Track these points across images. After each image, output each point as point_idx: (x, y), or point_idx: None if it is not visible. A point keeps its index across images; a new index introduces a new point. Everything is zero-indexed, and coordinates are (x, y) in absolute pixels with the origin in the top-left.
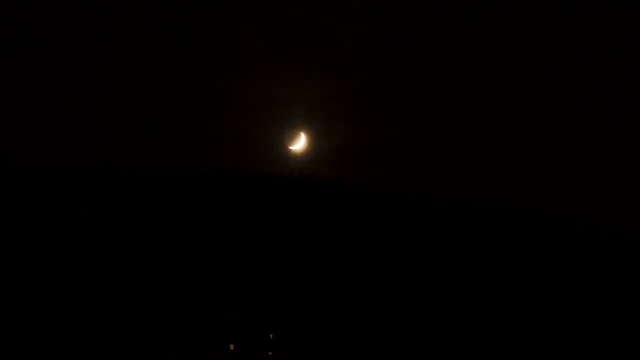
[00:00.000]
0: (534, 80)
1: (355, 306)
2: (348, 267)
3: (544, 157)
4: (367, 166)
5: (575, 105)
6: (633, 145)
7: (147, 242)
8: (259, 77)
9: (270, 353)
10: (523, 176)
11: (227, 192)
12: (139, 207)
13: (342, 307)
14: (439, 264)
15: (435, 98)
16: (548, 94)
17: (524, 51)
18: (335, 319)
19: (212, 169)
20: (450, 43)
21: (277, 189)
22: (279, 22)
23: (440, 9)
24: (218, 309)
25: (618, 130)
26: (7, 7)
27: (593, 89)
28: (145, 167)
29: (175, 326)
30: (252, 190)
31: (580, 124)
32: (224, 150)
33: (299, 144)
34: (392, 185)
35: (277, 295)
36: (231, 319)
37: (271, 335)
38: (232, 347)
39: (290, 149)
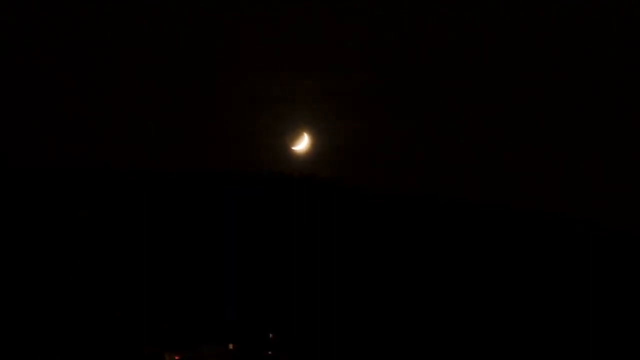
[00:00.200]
0: (534, 80)
1: (355, 305)
2: (348, 267)
3: (544, 157)
4: (368, 166)
5: (575, 105)
6: (633, 145)
7: (147, 242)
8: (259, 77)
9: (269, 352)
10: (523, 176)
11: (227, 192)
12: (139, 207)
13: (342, 306)
14: (438, 263)
15: (435, 98)
16: (548, 94)
17: (524, 51)
18: (335, 319)
19: (212, 169)
20: (450, 43)
21: (277, 188)
22: (279, 22)
23: (440, 9)
24: (218, 309)
25: (618, 130)
26: (7, 7)
27: (593, 89)
28: (145, 167)
29: (175, 326)
30: (252, 191)
31: (580, 124)
32: (224, 150)
33: (301, 144)
34: (392, 184)
35: (277, 295)
36: (231, 318)
37: (271, 335)
38: (231, 346)
39: (292, 149)
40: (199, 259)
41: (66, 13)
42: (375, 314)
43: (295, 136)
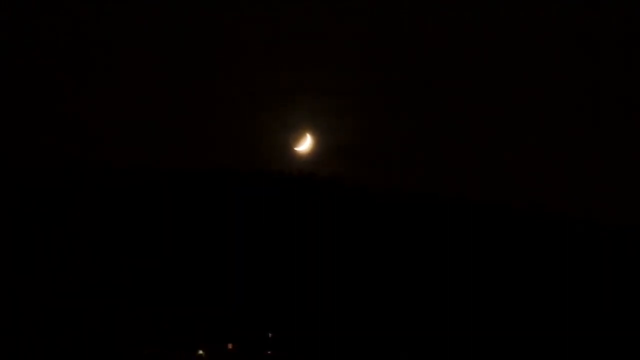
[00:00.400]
0: (534, 80)
1: (354, 305)
2: (347, 266)
3: (544, 157)
4: (368, 165)
5: (575, 105)
6: (633, 145)
7: (147, 242)
8: (259, 77)
9: (269, 352)
10: (523, 176)
11: (228, 191)
12: (139, 207)
13: (342, 305)
14: (438, 263)
15: (436, 98)
16: (548, 94)
17: (524, 51)
18: (335, 318)
19: (212, 168)
20: (450, 43)
21: (277, 188)
22: (279, 22)
23: (440, 9)
24: (218, 309)
25: (618, 130)
26: (7, 7)
27: (593, 89)
28: (145, 167)
29: (175, 326)
30: (252, 190)
31: (580, 124)
32: (224, 150)
33: (302, 143)
34: (392, 184)
35: (277, 294)
36: (233, 317)
37: (270, 335)
38: (230, 346)
39: (293, 149)
40: (199, 258)
41: (66, 13)
42: (375, 313)
43: (296, 136)
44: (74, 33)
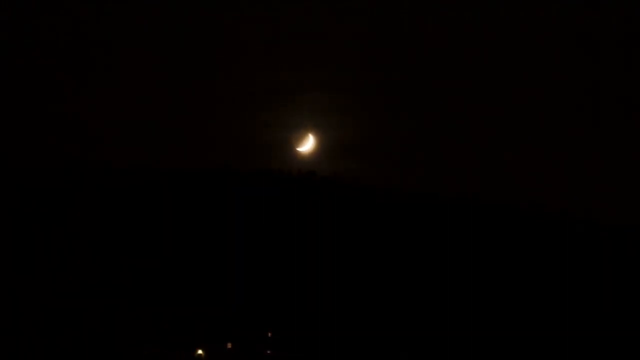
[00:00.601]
0: (534, 80)
1: (355, 304)
2: (347, 265)
3: (544, 157)
4: (368, 164)
5: (575, 105)
6: (633, 145)
7: (147, 242)
8: (259, 77)
9: (268, 352)
10: (523, 175)
11: (228, 191)
12: (139, 207)
13: (342, 304)
14: (438, 262)
15: (436, 98)
16: (548, 94)
17: (524, 51)
18: (335, 317)
19: (212, 168)
20: (450, 43)
21: (278, 187)
22: (279, 22)
23: (440, 9)
24: (218, 309)
25: (618, 130)
26: (7, 7)
27: (593, 89)
28: (145, 166)
29: (174, 326)
30: (252, 189)
31: (580, 124)
32: (224, 150)
33: (303, 143)
34: (393, 183)
35: (277, 294)
36: (234, 313)
37: (269, 334)
38: (229, 345)
39: (296, 149)
40: (199, 258)
41: (66, 13)
42: (374, 313)
43: (297, 135)
44: (74, 33)
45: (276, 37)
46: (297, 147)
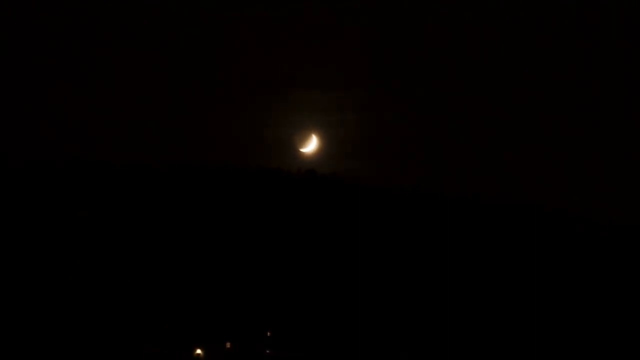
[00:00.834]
0: (534, 81)
1: (354, 304)
2: (347, 265)
3: (544, 157)
4: (368, 163)
5: (575, 105)
6: (633, 145)
7: (147, 241)
8: (259, 76)
9: (267, 351)
10: (524, 175)
11: (228, 190)
12: (138, 207)
13: (342, 305)
14: (438, 261)
15: (436, 98)
16: (548, 94)
17: (524, 51)
18: (335, 317)
19: (212, 167)
20: (450, 43)
21: (278, 186)
22: (279, 21)
23: (441, 9)
24: (217, 309)
25: (618, 130)
26: (7, 7)
27: (593, 89)
28: (145, 165)
29: (174, 326)
30: (252, 188)
31: (580, 123)
32: (224, 149)
33: (306, 143)
34: (392, 182)
35: (277, 293)
36: (233, 313)
37: (268, 333)
38: (228, 345)
39: (298, 149)
40: (199, 258)
41: (66, 13)
42: (374, 313)
43: (298, 135)
44: (74, 33)
45: (276, 35)
46: (301, 148)
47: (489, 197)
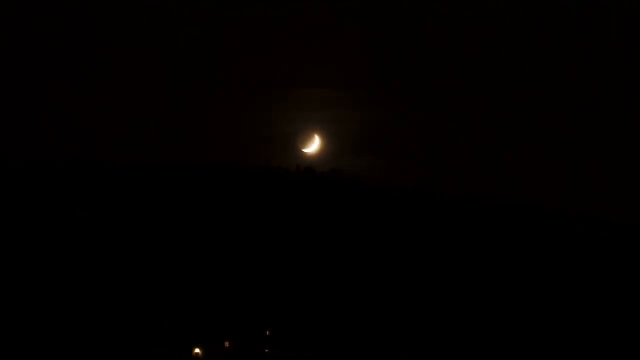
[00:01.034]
0: (534, 81)
1: (354, 304)
2: (347, 265)
3: (544, 157)
4: (368, 163)
5: (575, 105)
6: (633, 145)
7: (147, 242)
8: (259, 75)
9: (267, 351)
10: (524, 175)
11: (228, 189)
12: (138, 207)
13: (342, 305)
14: (438, 260)
15: (437, 98)
16: (548, 94)
17: (524, 51)
18: (334, 317)
19: (212, 166)
20: (451, 43)
21: (278, 185)
22: (279, 21)
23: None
24: (217, 309)
25: (618, 130)
26: (7, 7)
27: (593, 89)
28: (145, 165)
29: (174, 326)
30: (251, 187)
31: (580, 123)
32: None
33: (312, 146)
34: (393, 181)
35: (276, 292)
36: (233, 313)
37: (268, 333)
38: (227, 344)
39: (302, 151)
40: (199, 258)
41: (66, 13)
42: (374, 312)
43: (301, 134)
44: (74, 33)
45: (276, 35)
46: (301, 147)
47: (489, 197)
